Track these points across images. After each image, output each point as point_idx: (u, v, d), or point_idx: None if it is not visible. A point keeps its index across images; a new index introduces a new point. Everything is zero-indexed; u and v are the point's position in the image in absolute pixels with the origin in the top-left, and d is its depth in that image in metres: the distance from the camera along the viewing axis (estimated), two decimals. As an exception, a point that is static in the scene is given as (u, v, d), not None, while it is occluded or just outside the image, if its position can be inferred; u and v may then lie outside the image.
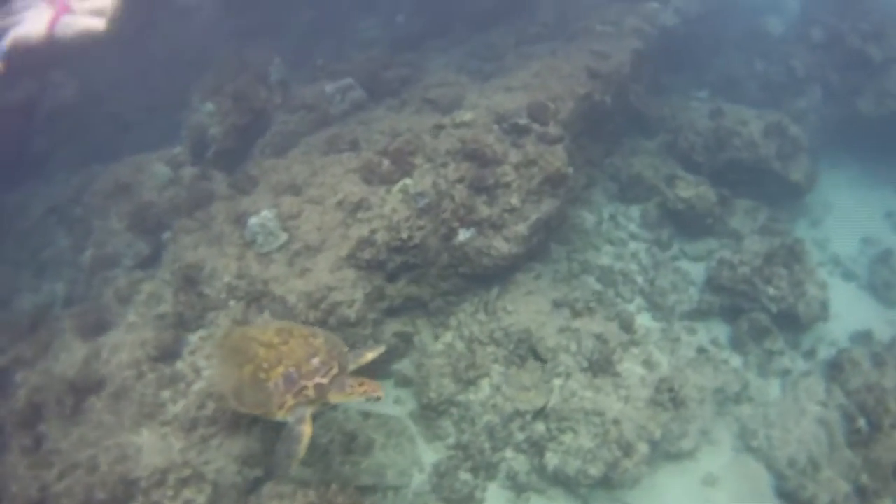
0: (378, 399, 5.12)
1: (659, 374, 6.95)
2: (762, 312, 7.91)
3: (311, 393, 4.89)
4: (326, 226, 7.42)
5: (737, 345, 7.95)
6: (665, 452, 6.72)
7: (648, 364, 7.08)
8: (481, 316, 7.23)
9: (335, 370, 4.98)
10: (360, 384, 4.99)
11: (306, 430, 4.89)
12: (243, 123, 9.06)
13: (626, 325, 7.38)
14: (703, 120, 9.67)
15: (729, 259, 8.18)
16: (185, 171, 8.89)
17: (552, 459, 6.34)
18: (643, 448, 6.37)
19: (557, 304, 7.37)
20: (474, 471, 6.59)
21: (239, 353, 5.10)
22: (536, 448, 6.51)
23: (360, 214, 7.39)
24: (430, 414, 6.90)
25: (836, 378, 7.40)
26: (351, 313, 6.94)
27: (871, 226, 10.03)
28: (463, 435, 6.70)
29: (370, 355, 5.50)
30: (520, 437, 6.62)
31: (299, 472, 6.59)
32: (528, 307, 7.25)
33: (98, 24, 7.26)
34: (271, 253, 7.44)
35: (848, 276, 9.30)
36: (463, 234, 7.26)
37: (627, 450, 6.31)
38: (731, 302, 8.11)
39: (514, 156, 7.68)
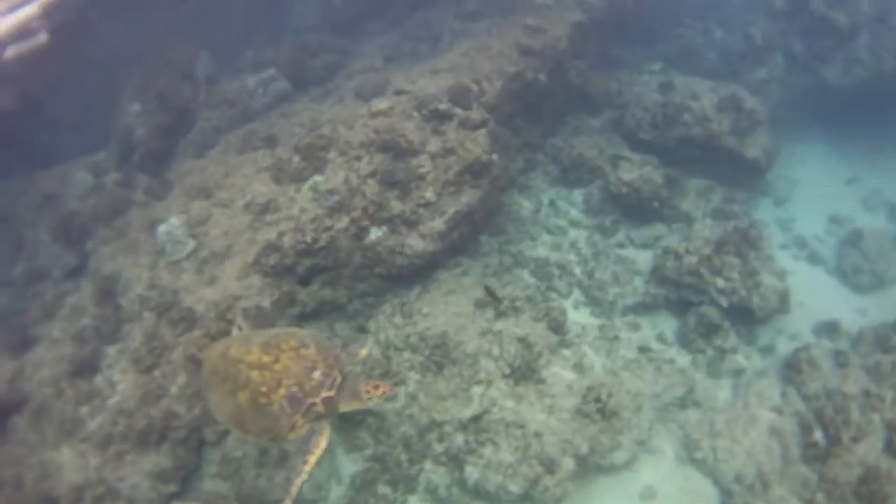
0: (394, 396, 5.00)
1: (590, 381, 6.58)
2: (711, 306, 7.46)
3: (320, 409, 4.65)
4: (234, 230, 7.31)
5: (684, 342, 7.50)
6: (597, 465, 6.29)
7: (580, 368, 6.76)
8: (398, 319, 7.03)
9: (339, 378, 4.74)
10: (375, 387, 4.75)
11: (322, 441, 4.66)
12: (167, 123, 8.94)
13: (557, 325, 7.04)
14: (652, 94, 9.23)
15: (674, 248, 7.70)
16: (109, 178, 8.84)
17: (472, 473, 6.12)
18: (568, 463, 6.03)
19: (480, 305, 7.08)
20: (393, 484, 6.47)
21: (227, 379, 4.76)
22: (456, 461, 6.27)
23: (267, 217, 7.25)
24: (346, 425, 6.78)
25: (793, 380, 6.76)
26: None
27: (840, 204, 9.47)
28: (380, 446, 6.57)
29: (363, 352, 5.30)
30: (438, 448, 6.40)
31: (214, 485, 6.60)
32: (447, 309, 7.02)
33: (40, 38, 7.26)
34: (181, 261, 7.36)
35: (814, 259, 8.80)
36: (374, 233, 7.05)
37: (550, 465, 5.97)
38: (678, 295, 7.65)
39: (433, 144, 7.43)
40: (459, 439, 6.30)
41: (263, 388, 4.60)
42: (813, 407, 6.46)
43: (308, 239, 6.84)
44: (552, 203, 8.72)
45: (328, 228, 6.96)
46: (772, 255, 7.84)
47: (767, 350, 7.49)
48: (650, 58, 10.73)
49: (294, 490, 4.48)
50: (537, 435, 6.11)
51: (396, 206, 7.10)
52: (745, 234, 7.72)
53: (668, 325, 7.73)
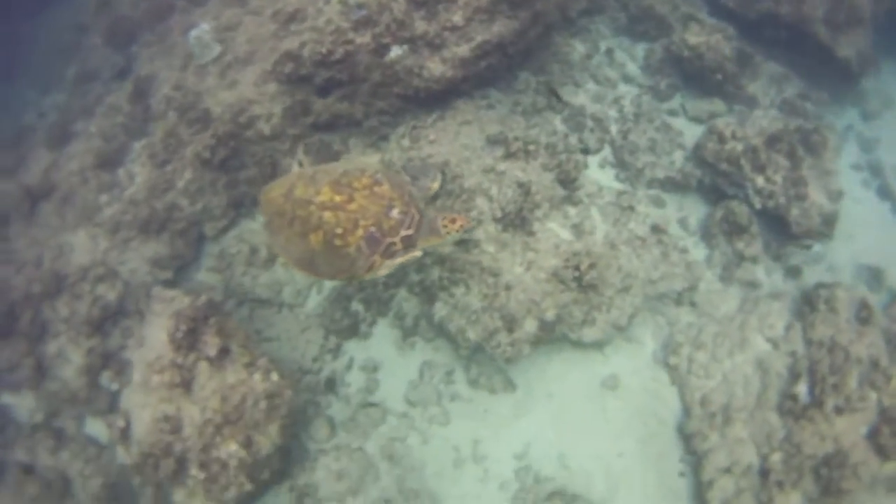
0: (472, 228, 4.78)
1: (581, 246, 6.08)
2: (743, 204, 6.68)
3: (399, 248, 4.52)
4: (259, 37, 7.28)
5: (706, 234, 6.84)
6: (565, 336, 5.98)
7: (578, 230, 6.27)
8: (405, 142, 6.83)
9: (417, 215, 4.58)
10: (452, 220, 4.55)
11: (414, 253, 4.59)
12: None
13: (567, 179, 6.51)
14: None
15: (720, 128, 6.84)
16: (161, -15, 8.98)
17: (440, 310, 5.97)
18: (529, 325, 5.73)
19: (492, 141, 6.71)
20: (366, 303, 6.56)
21: (296, 220, 4.59)
22: (428, 294, 6.15)
23: (292, 26, 7.11)
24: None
25: (804, 317, 5.87)
26: (266, 127, 6.90)
27: (937, 136, 7.93)
28: (362, 266, 6.58)
29: (434, 185, 5.19)
30: (414, 278, 6.35)
31: (207, 277, 6.91)
32: (456, 139, 6.70)
33: None
34: (207, 65, 7.46)
35: (885, 192, 7.52)
36: (395, 52, 6.76)
37: (510, 322, 5.71)
38: (713, 181, 6.91)
39: (477, -33, 6.92)
40: (435, 273, 6.11)
41: (339, 230, 4.45)
42: (811, 355, 5.62)
43: (324, 50, 6.67)
44: (609, 52, 7.99)
45: (347, 42, 6.70)
46: (832, 170, 6.82)
47: (793, 272, 6.68)
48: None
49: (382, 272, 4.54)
50: (508, 287, 5.79)
51: (421, 27, 6.69)
52: (806, 136, 6.76)
53: (695, 210, 7.02)
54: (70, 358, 6.55)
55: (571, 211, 6.50)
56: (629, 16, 8.29)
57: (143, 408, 5.33)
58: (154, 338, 5.57)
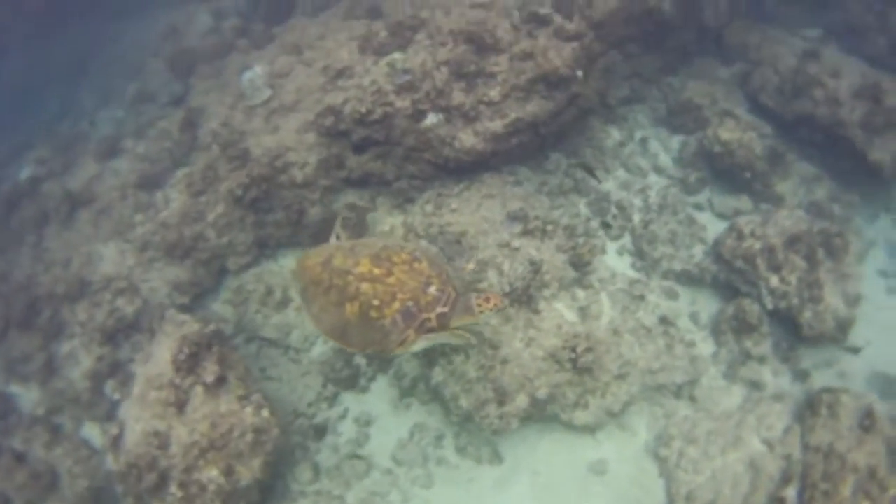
0: (504, 308, 4.88)
1: (583, 329, 6.14)
2: (755, 303, 6.66)
3: (433, 324, 4.60)
4: (306, 88, 7.69)
5: (715, 331, 6.79)
6: (556, 417, 6.04)
7: (584, 313, 6.35)
8: (429, 207, 7.09)
9: (453, 294, 4.69)
10: (486, 300, 4.66)
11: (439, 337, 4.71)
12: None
13: (580, 262, 6.64)
14: (790, 59, 8.20)
15: (740, 225, 6.91)
16: (228, 23, 9.56)
17: (438, 375, 6.08)
18: (521, 401, 5.79)
19: (512, 216, 6.88)
20: (369, 358, 6.72)
21: (332, 289, 4.69)
22: (429, 359, 6.24)
23: (339, 82, 7.53)
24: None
25: (804, 420, 5.78)
26: (299, 175, 7.24)
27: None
28: (371, 320, 6.80)
29: (469, 266, 5.57)
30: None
31: (221, 309, 7.21)
32: (477, 211, 6.92)
33: None
34: (255, 107, 7.89)
35: None
36: (430, 119, 7.08)
37: (502, 396, 5.77)
38: (728, 278, 6.91)
39: (519, 46, 7.23)
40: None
41: (376, 302, 4.54)
42: (806, 459, 5.50)
43: (363, 109, 7.01)
44: (643, 141, 8.17)
45: (386, 104, 7.06)
46: (852, 274, 6.76)
47: (802, 376, 6.56)
48: (812, 23, 9.47)
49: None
50: (504, 361, 5.88)
51: (458, 97, 7.02)
52: (827, 239, 6.73)
53: (708, 306, 7.01)
54: (80, 361, 6.93)
55: (580, 294, 6.60)
56: (668, 107, 8.49)
57: (137, 421, 5.57)
58: (159, 356, 5.85)
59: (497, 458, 6.15)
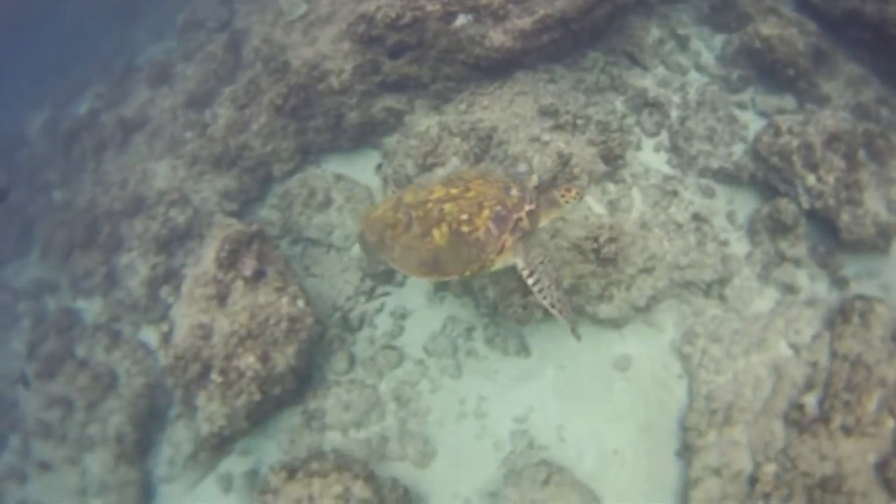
0: (583, 197, 4.98)
1: (609, 221, 6.16)
2: (792, 202, 6.43)
3: (525, 224, 4.59)
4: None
5: (751, 230, 6.61)
6: (581, 309, 6.07)
7: (613, 206, 6.42)
8: (462, 106, 7.24)
9: (534, 192, 4.73)
10: (568, 190, 4.71)
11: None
12: None
13: (610, 156, 6.67)
14: None
15: (778, 122, 6.66)
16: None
17: None
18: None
19: (544, 112, 6.96)
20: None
21: (413, 222, 4.61)
22: None
23: (374, -11, 7.71)
24: (389, 189, 7.29)
25: (835, 327, 5.51)
26: (336, 82, 7.53)
27: None
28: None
29: (534, 178, 5.41)
30: None
31: (268, 214, 7.66)
32: (509, 107, 7.02)
33: None
34: (294, 22, 8.20)
35: None
36: (460, 20, 7.20)
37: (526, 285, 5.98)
38: (765, 176, 6.71)
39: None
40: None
41: (464, 216, 4.46)
42: (832, 367, 5.24)
43: (393, 14, 7.19)
44: (684, 39, 7.97)
45: (416, 8, 7.21)
46: None
47: (840, 282, 6.30)
48: None
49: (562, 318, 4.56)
50: None
51: (487, -3, 7.13)
52: (869, 139, 6.39)
53: (746, 205, 6.84)
54: (137, 270, 7.59)
55: (611, 188, 6.67)
56: (711, 5, 8.24)
57: (185, 317, 6.12)
58: (205, 256, 6.36)
59: (524, 350, 6.36)
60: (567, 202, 4.70)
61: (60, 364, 7.32)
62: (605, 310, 6.11)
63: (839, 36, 7.65)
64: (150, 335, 7.40)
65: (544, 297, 4.55)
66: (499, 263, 4.62)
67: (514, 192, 4.62)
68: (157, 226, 7.62)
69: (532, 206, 4.59)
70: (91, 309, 7.83)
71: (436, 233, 4.50)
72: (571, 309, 4.60)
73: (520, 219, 4.53)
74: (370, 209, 4.99)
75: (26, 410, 7.41)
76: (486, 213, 4.47)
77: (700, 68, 7.90)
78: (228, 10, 9.67)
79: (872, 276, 6.39)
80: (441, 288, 6.81)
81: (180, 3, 10.90)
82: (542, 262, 4.60)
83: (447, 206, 4.52)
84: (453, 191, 4.64)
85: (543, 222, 4.80)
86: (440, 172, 6.78)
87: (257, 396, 5.76)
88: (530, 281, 4.57)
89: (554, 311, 4.53)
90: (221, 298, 6.06)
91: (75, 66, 12.17)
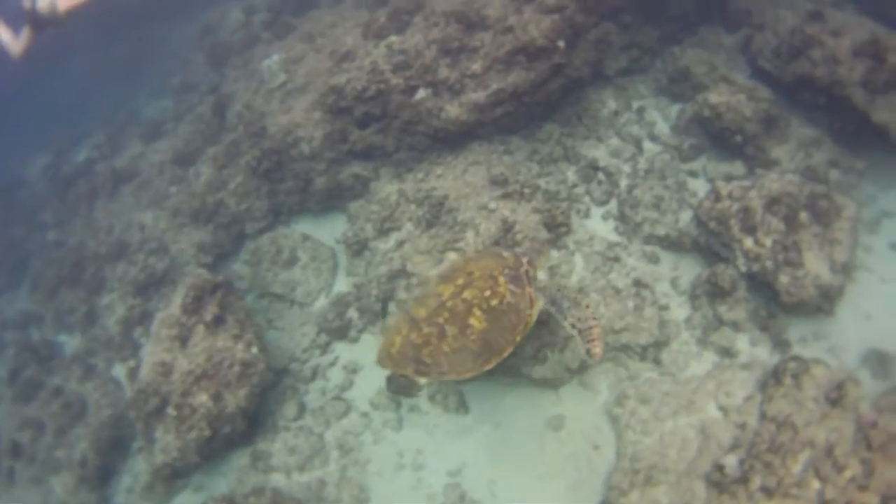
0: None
1: (549, 285, 6.49)
2: (730, 267, 6.72)
3: (533, 273, 5.19)
4: (315, 72, 8.75)
5: (693, 295, 6.91)
6: (518, 370, 6.46)
7: (553, 271, 6.88)
8: (419, 174, 7.91)
9: (520, 251, 5.47)
10: (540, 242, 5.75)
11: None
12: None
13: (553, 224, 7.18)
14: (792, 20, 8.32)
15: (718, 187, 7.01)
16: (257, 17, 10.80)
17: None
18: None
19: (494, 181, 7.51)
20: (361, 311, 7.60)
21: (445, 327, 4.83)
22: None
23: (344, 64, 8.50)
24: (350, 251, 7.94)
25: (766, 389, 5.70)
26: (307, 148, 8.26)
27: None
28: (364, 277, 7.69)
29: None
30: (402, 295, 7.23)
31: (239, 268, 8.33)
32: (462, 177, 7.65)
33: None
34: (273, 90, 9.01)
35: None
36: (420, 93, 7.91)
37: None
38: (707, 242, 6.99)
39: (504, 23, 7.91)
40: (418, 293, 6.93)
41: (486, 293, 4.77)
42: (759, 430, 5.38)
43: (359, 86, 7.93)
44: (640, 111, 8.53)
45: (381, 81, 7.95)
46: (842, 241, 6.54)
47: (783, 345, 6.46)
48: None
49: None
50: None
51: (444, 72, 7.81)
52: (812, 201, 6.60)
53: (692, 271, 7.14)
54: (116, 310, 8.36)
55: (553, 254, 7.18)
56: (669, 77, 8.79)
57: (151, 354, 6.80)
58: (174, 301, 7.06)
59: (464, 407, 6.76)
60: (547, 251, 5.49)
61: (37, 390, 8.06)
62: (539, 370, 6.46)
63: (793, 100, 8.01)
64: (121, 371, 8.14)
65: (564, 318, 5.06)
66: (534, 314, 5.01)
67: (505, 253, 5.17)
68: (137, 271, 8.42)
69: (527, 258, 5.18)
70: (71, 342, 8.66)
71: (473, 321, 4.75)
72: (601, 325, 5.14)
73: (527, 271, 5.08)
74: (381, 353, 5.18)
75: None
76: (501, 280, 4.91)
77: (654, 138, 8.39)
78: (219, 76, 10.60)
79: (819, 339, 6.49)
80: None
81: (178, 66, 11.91)
82: (558, 290, 5.20)
83: (467, 294, 4.83)
84: (459, 281, 4.95)
85: (541, 266, 5.41)
86: (434, 271, 7.09)
87: (207, 432, 6.33)
88: (554, 309, 5.10)
89: (573, 332, 5.03)
90: (183, 340, 6.72)
91: (80, 117, 13.32)
